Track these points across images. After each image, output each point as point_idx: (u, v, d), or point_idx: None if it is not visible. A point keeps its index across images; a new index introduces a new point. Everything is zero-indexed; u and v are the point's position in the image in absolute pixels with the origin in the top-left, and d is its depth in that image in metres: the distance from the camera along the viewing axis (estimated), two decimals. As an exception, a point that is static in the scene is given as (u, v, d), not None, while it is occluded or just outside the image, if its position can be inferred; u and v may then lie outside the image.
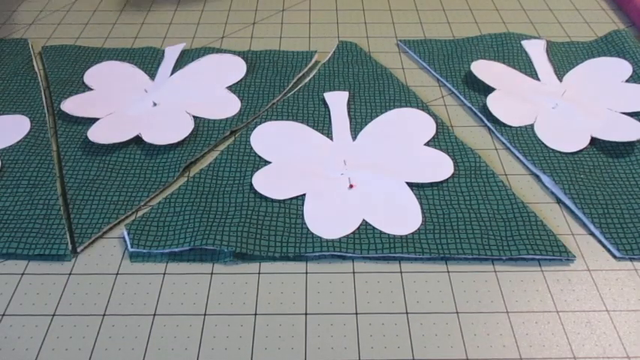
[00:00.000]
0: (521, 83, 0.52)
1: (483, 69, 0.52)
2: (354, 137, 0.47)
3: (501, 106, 0.49)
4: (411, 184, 0.42)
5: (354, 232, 0.39)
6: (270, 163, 0.44)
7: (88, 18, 0.64)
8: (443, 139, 0.46)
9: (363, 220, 0.39)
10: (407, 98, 0.50)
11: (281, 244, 0.38)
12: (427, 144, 0.45)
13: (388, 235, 0.38)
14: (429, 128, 0.47)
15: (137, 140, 0.46)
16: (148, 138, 0.46)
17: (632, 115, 0.48)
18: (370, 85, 0.52)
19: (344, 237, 0.38)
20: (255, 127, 0.47)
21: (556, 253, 0.37)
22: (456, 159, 0.44)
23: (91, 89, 0.52)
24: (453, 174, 0.43)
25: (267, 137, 0.47)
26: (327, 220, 0.40)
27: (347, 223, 0.39)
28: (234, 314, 0.35)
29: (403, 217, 0.40)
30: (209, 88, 0.52)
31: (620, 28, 0.60)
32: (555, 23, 0.63)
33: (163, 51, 0.57)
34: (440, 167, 0.43)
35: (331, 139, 0.47)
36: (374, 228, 0.39)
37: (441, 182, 0.42)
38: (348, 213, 0.40)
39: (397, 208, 0.40)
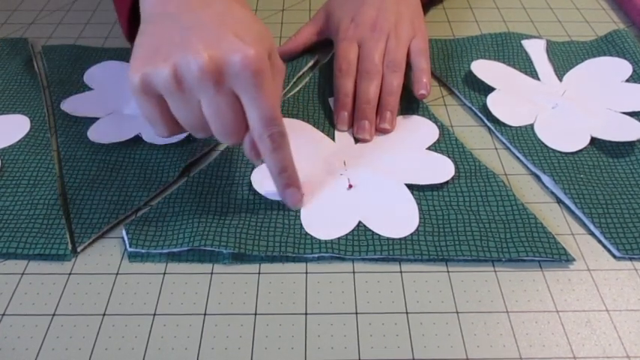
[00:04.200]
0: (521, 83, 0.52)
1: (483, 69, 0.52)
2: (356, 139, 0.47)
3: (501, 106, 0.49)
4: (410, 186, 0.42)
5: (351, 234, 0.39)
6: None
7: (88, 17, 0.64)
8: (444, 142, 0.46)
9: (360, 221, 0.39)
10: (407, 98, 0.50)
11: (280, 244, 0.38)
12: (429, 148, 0.45)
13: (387, 237, 0.38)
14: (432, 133, 0.46)
15: (137, 140, 0.46)
16: (148, 138, 0.46)
17: (632, 115, 0.48)
18: (370, 85, 0.52)
19: (342, 238, 0.38)
20: None
21: (555, 255, 0.37)
22: (457, 162, 0.44)
23: (91, 89, 0.52)
24: (453, 177, 0.42)
25: None
26: (323, 220, 0.39)
27: (343, 223, 0.39)
28: (234, 314, 0.35)
29: (399, 220, 0.39)
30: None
31: (620, 27, 0.60)
32: (555, 22, 0.63)
33: (163, 51, 0.57)
34: (441, 170, 0.43)
35: (333, 139, 0.47)
36: (372, 230, 0.39)
37: (441, 184, 0.42)
38: (345, 214, 0.40)
39: (394, 210, 0.40)
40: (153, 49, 0.34)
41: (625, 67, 0.53)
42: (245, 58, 0.32)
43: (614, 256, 0.38)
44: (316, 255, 0.38)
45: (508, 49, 0.56)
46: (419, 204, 0.41)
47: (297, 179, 0.39)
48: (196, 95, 0.34)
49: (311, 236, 0.38)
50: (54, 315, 0.35)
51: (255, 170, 0.43)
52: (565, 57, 0.56)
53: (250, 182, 0.42)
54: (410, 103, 0.50)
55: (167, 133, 0.37)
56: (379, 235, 0.38)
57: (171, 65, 0.32)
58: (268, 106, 0.34)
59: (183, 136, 0.46)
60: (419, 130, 0.47)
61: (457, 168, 0.43)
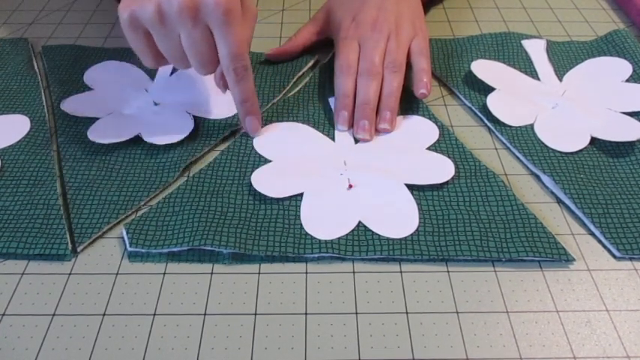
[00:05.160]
0: (521, 83, 0.52)
1: (483, 69, 0.52)
2: (356, 139, 0.47)
3: (501, 106, 0.49)
4: (411, 186, 0.42)
5: (351, 234, 0.39)
6: (270, 162, 0.44)
7: (88, 18, 0.64)
8: (444, 142, 0.46)
9: (360, 221, 0.39)
10: (407, 98, 0.50)
11: (280, 244, 0.38)
12: (429, 148, 0.45)
13: (387, 237, 0.38)
14: (432, 133, 0.46)
15: (137, 140, 0.46)
16: (148, 138, 0.46)
17: (632, 115, 0.48)
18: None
19: (342, 238, 0.38)
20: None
21: (555, 255, 0.37)
22: (457, 162, 0.44)
23: (91, 89, 0.52)
24: (453, 177, 0.42)
25: (270, 138, 0.46)
26: (323, 220, 0.39)
27: (343, 223, 0.39)
28: (234, 314, 0.35)
29: (399, 220, 0.39)
30: (209, 88, 0.52)
31: (620, 27, 0.60)
32: (555, 22, 0.63)
33: (163, 51, 0.57)
34: (441, 170, 0.43)
35: (333, 140, 0.47)
36: (372, 230, 0.39)
37: (442, 184, 0.42)
38: (345, 214, 0.40)
39: (394, 210, 0.40)
40: None
41: (625, 67, 0.53)
42: None
43: (614, 256, 0.38)
44: (316, 255, 0.38)
45: (508, 49, 0.56)
46: (419, 204, 0.41)
47: (257, 109, 0.45)
48: (176, 29, 0.39)
49: (311, 236, 0.38)
50: (54, 315, 0.35)
51: (256, 170, 0.43)
52: (565, 57, 0.56)
53: (250, 182, 0.42)
54: (410, 103, 0.50)
55: (153, 64, 0.43)
56: (379, 235, 0.38)
57: (155, 3, 0.38)
58: (235, 42, 0.39)
59: (183, 136, 0.46)
60: (419, 130, 0.47)
61: (457, 168, 0.43)
